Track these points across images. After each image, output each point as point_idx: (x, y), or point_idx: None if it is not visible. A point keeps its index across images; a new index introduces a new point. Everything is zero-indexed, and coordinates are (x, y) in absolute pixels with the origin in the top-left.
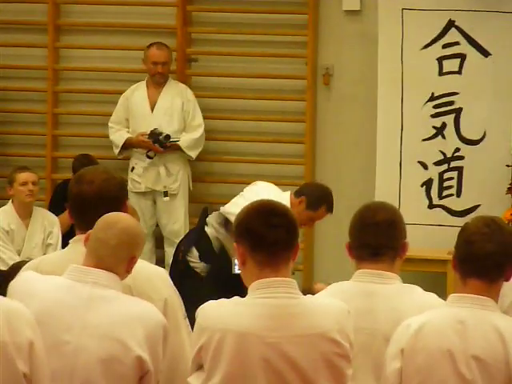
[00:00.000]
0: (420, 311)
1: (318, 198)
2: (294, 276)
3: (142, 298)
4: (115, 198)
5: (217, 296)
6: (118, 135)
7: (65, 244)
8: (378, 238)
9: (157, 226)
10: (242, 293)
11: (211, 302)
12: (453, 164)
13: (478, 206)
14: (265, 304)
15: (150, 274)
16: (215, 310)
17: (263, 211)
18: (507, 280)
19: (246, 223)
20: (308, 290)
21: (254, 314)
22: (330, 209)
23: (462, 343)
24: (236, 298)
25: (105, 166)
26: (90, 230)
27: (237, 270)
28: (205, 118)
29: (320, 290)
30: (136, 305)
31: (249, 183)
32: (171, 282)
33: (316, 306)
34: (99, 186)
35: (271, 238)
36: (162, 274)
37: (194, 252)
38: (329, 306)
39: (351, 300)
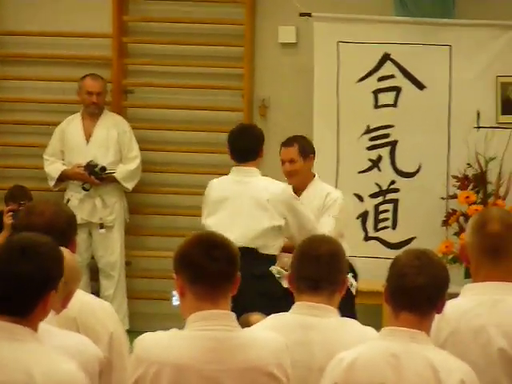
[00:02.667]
0: (357, 345)
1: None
2: None
3: (87, 331)
4: (63, 231)
5: None
6: (53, 167)
7: None
8: (318, 271)
9: (92, 258)
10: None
11: (149, 334)
12: (388, 196)
13: (414, 238)
14: (203, 337)
15: (96, 307)
16: (153, 342)
17: (204, 243)
18: (439, 312)
19: (187, 255)
20: (245, 321)
21: (192, 347)
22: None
23: (395, 377)
24: (174, 330)
25: (56, 200)
26: None
27: (175, 301)
28: (141, 149)
29: (256, 321)
30: (71, 338)
31: (185, 215)
32: (117, 317)
33: (254, 339)
34: (49, 218)
35: (212, 270)
36: (108, 308)
37: None
38: (267, 340)
39: (289, 333)
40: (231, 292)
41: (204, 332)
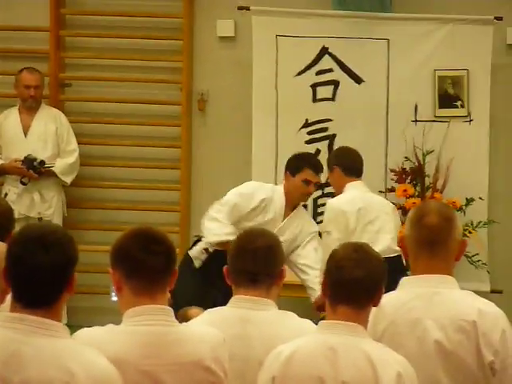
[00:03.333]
0: (295, 338)
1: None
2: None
3: None
4: (1, 226)
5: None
6: None
7: None
8: (255, 265)
9: None
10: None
11: (85, 329)
12: (327, 190)
13: None
14: (140, 332)
15: None
16: (89, 337)
17: (142, 237)
18: (375, 305)
19: (125, 249)
20: (183, 315)
21: (128, 341)
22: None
23: (333, 370)
24: (111, 325)
25: None
26: None
27: (113, 297)
28: (79, 143)
29: (195, 315)
30: None
31: (125, 209)
32: None
33: (192, 333)
34: None
35: (150, 264)
36: None
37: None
38: (204, 334)
39: (227, 326)
40: (169, 286)
41: (141, 327)
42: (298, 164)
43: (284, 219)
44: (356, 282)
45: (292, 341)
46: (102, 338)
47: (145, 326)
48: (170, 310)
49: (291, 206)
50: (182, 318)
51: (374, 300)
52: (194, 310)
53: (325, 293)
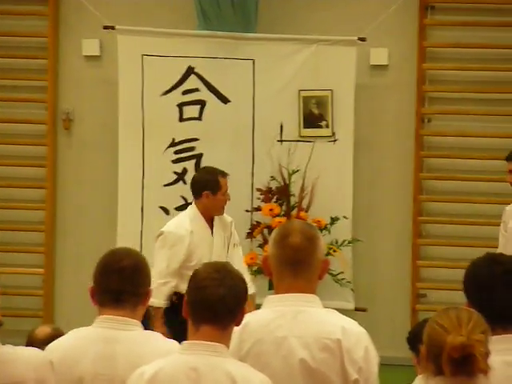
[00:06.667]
0: (159, 358)
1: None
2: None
3: None
4: None
5: None
6: None
7: None
8: (121, 284)
9: None
10: None
11: None
12: None
13: None
14: None
15: None
16: None
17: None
18: (238, 325)
19: None
20: (32, 335)
21: None
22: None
23: None
24: None
25: None
26: None
27: None
28: None
29: (44, 334)
30: None
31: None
32: None
33: (15, 355)
34: None
35: None
36: None
37: None
38: (28, 356)
39: (91, 346)
40: None
41: None
42: (214, 180)
43: (212, 233)
44: (220, 302)
45: (155, 361)
46: None
47: None
48: None
49: (209, 221)
50: (31, 338)
51: (237, 319)
52: (43, 329)
53: (186, 314)
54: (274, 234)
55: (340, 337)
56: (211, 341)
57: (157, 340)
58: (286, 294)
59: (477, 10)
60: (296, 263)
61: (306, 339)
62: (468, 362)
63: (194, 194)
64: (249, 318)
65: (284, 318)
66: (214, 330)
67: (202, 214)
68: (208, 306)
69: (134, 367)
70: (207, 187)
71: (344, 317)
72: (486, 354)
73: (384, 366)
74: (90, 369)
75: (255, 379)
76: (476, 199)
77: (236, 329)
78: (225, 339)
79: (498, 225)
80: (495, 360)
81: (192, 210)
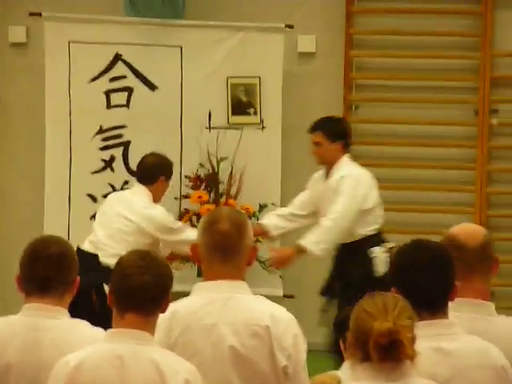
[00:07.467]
0: (85, 346)
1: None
2: None
3: None
4: None
5: None
6: None
7: None
8: (47, 272)
9: None
10: None
11: None
12: None
13: None
14: None
15: None
16: None
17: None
18: (163, 312)
19: None
20: None
21: None
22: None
23: (120, 379)
24: None
25: None
26: None
27: None
28: None
29: None
30: None
31: None
32: None
33: None
34: None
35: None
36: None
37: None
38: None
39: (17, 334)
40: None
41: None
42: (170, 165)
43: None
44: (144, 289)
45: (80, 350)
46: None
47: None
48: None
49: None
50: None
51: (162, 307)
52: None
53: (111, 302)
54: (202, 221)
55: (269, 323)
56: (136, 328)
57: (83, 328)
58: (215, 281)
59: None
60: (225, 249)
61: (236, 326)
62: (395, 347)
63: (147, 178)
64: (177, 305)
65: (213, 305)
66: (138, 317)
67: (153, 199)
68: (132, 294)
69: (60, 355)
70: (164, 172)
71: (273, 303)
72: (413, 340)
73: (311, 351)
74: (15, 357)
75: (181, 367)
76: (402, 186)
77: (165, 317)
78: (149, 327)
79: (427, 212)
80: (422, 346)
81: (146, 194)
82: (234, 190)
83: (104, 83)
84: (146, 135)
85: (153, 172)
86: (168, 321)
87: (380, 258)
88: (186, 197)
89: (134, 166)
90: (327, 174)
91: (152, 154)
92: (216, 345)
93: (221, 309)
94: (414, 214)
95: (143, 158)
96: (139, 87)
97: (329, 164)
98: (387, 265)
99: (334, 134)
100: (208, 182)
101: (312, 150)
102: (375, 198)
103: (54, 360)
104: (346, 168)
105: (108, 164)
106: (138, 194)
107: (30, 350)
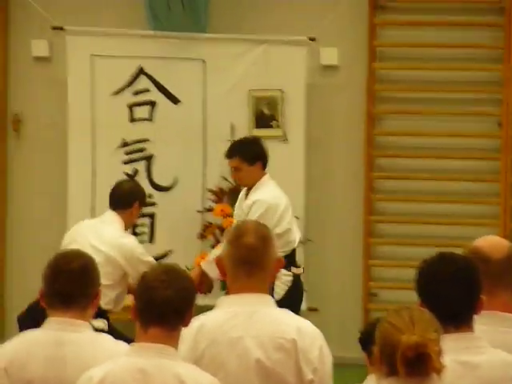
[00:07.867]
0: (108, 360)
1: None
2: None
3: None
4: None
5: None
6: None
7: None
8: (70, 286)
9: None
10: None
11: None
12: (145, 210)
13: (170, 251)
14: None
15: None
16: None
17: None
18: (186, 326)
19: None
20: None
21: None
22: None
23: None
24: None
25: None
26: None
27: None
28: None
29: None
30: None
31: None
32: None
33: None
34: None
35: None
36: None
37: None
38: None
39: (41, 349)
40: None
41: None
42: (144, 193)
43: None
44: (167, 303)
45: (103, 364)
46: None
47: None
48: None
49: None
50: None
51: (185, 320)
52: None
53: (134, 316)
54: (227, 234)
55: (295, 337)
56: (159, 342)
57: (106, 341)
58: (240, 294)
59: (426, 10)
60: (250, 263)
61: (262, 339)
62: (422, 361)
63: (123, 204)
64: (203, 318)
65: (239, 318)
66: (161, 331)
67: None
68: (155, 308)
69: (84, 369)
70: (139, 197)
71: (298, 317)
72: (440, 353)
73: (335, 365)
74: (39, 372)
75: (204, 381)
76: (426, 199)
77: (191, 329)
78: (173, 341)
79: (448, 224)
80: (447, 359)
81: (118, 221)
82: None
83: (127, 97)
84: (168, 149)
85: (129, 197)
86: (194, 334)
87: (282, 280)
88: (209, 210)
89: (157, 179)
90: (247, 195)
91: (127, 181)
92: (242, 357)
93: (246, 322)
94: (438, 226)
95: (118, 185)
96: (162, 101)
97: (251, 185)
98: (287, 288)
99: (252, 157)
100: (231, 195)
101: (232, 175)
102: (285, 225)
103: (77, 375)
104: (263, 191)
105: (131, 177)
106: (110, 222)
107: (53, 365)
